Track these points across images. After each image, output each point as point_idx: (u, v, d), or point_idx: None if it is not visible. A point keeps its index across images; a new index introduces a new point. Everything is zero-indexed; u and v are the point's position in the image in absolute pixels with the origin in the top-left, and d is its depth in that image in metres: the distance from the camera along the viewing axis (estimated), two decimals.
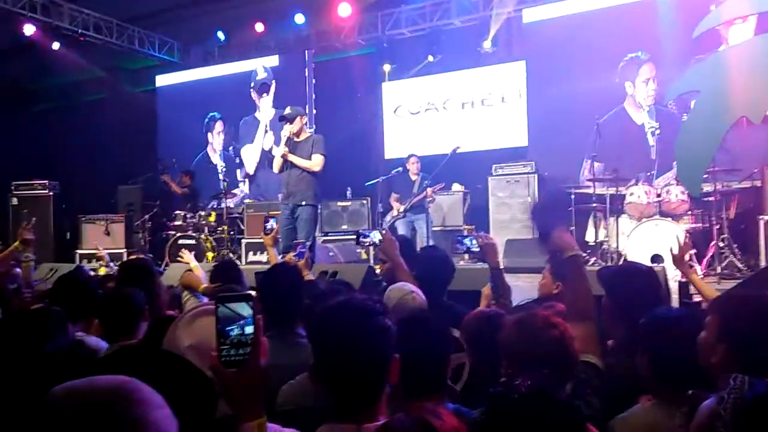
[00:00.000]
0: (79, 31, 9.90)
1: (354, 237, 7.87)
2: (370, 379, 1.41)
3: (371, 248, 3.51)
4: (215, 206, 9.43)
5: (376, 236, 3.36)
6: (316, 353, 1.47)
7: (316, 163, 5.65)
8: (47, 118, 12.17)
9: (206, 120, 11.33)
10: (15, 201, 9.61)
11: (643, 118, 7.91)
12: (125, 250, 8.76)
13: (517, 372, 1.82)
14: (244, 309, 1.23)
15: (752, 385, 1.06)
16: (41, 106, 12.61)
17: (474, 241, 3.28)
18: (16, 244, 4.01)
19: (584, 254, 6.80)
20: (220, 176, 10.41)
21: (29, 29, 9.71)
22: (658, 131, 7.48)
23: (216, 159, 11.17)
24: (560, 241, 2.43)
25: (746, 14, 7.18)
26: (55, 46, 10.31)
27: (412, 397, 1.68)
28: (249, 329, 1.23)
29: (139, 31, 10.78)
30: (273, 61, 10.81)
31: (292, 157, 5.64)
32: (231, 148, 10.96)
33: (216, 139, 11.30)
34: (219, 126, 11.30)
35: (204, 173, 10.87)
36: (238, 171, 10.91)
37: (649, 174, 7.11)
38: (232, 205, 9.57)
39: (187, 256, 3.91)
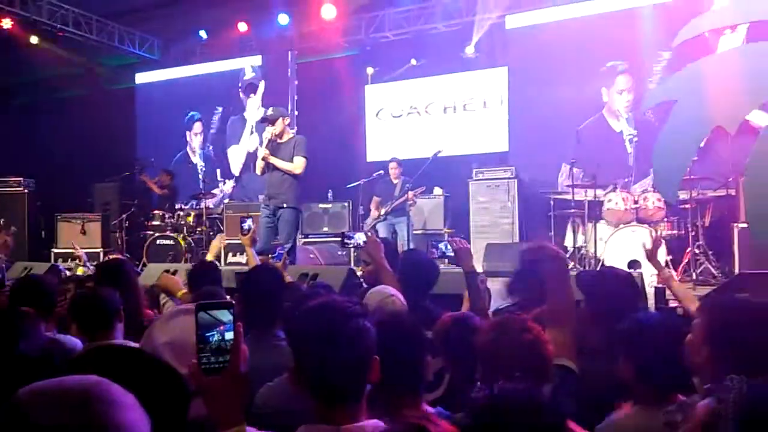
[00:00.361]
0: (58, 26, 9.75)
1: (335, 239, 7.91)
2: (350, 381, 1.41)
3: (354, 250, 3.53)
4: (194, 206, 9.35)
5: (360, 238, 3.38)
6: (295, 355, 1.46)
7: (297, 165, 5.62)
8: (24, 114, 11.97)
9: (186, 119, 11.24)
10: None
11: (622, 125, 8.03)
12: (101, 249, 8.63)
13: (492, 376, 1.84)
14: (225, 315, 1.24)
15: (751, 385, 1.08)
16: (17, 102, 12.39)
17: (449, 246, 3.31)
18: None
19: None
20: (200, 176, 10.32)
21: (6, 23, 9.54)
22: (635, 139, 7.60)
23: (195, 159, 11.06)
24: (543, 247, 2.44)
25: (735, 23, 7.31)
26: (33, 40, 10.15)
27: (390, 399, 1.68)
28: (229, 335, 1.24)
29: (119, 27, 10.64)
30: (256, 61, 10.76)
31: (273, 160, 5.61)
32: (210, 147, 10.84)
33: (194, 140, 11.20)
34: (198, 127, 11.20)
35: (183, 173, 10.77)
36: (218, 171, 10.82)
37: (626, 180, 7.23)
38: (211, 206, 9.48)
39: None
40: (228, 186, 10.74)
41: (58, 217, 9.00)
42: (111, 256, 5.16)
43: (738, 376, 1.11)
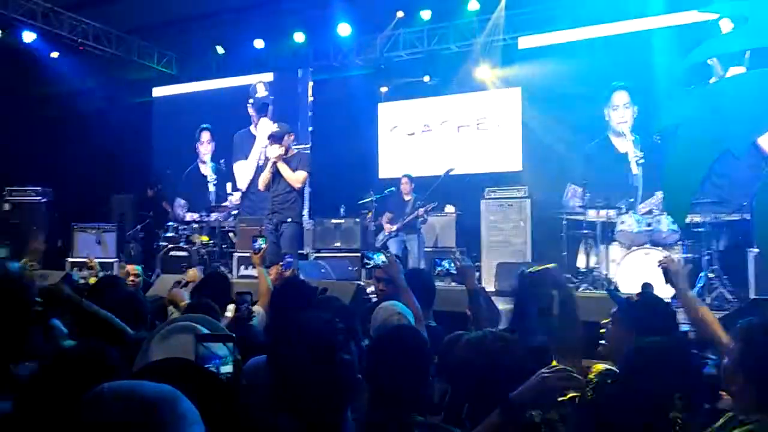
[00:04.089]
0: (79, 40, 9.94)
1: (347, 254, 7.92)
2: (328, 408, 1.40)
3: (374, 270, 3.59)
4: (203, 218, 9.40)
5: (379, 258, 3.39)
6: (276, 377, 1.45)
7: (298, 178, 5.71)
8: (44, 125, 12.14)
9: (197, 130, 11.36)
10: (7, 206, 9.55)
11: (627, 146, 8.01)
12: (116, 260, 8.70)
13: (472, 395, 1.82)
14: (221, 349, 1.29)
15: None
16: (39, 114, 12.58)
17: (452, 264, 3.32)
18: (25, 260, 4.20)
19: (574, 281, 6.87)
20: (210, 188, 10.36)
21: (29, 36, 9.74)
22: (642, 160, 7.60)
23: (206, 170, 11.05)
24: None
25: (740, 49, 7.32)
26: (54, 55, 10.35)
27: (390, 414, 1.67)
28: (224, 369, 1.28)
29: (138, 42, 10.83)
30: (268, 77, 10.87)
31: (281, 165, 5.68)
32: (222, 161, 10.88)
33: (201, 149, 11.28)
34: (205, 136, 11.27)
35: (195, 185, 10.85)
36: (228, 184, 10.85)
37: (631, 200, 7.22)
38: (220, 219, 9.48)
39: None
40: (236, 197, 10.75)
41: (75, 226, 9.11)
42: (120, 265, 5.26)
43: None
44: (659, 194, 7.60)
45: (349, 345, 1.49)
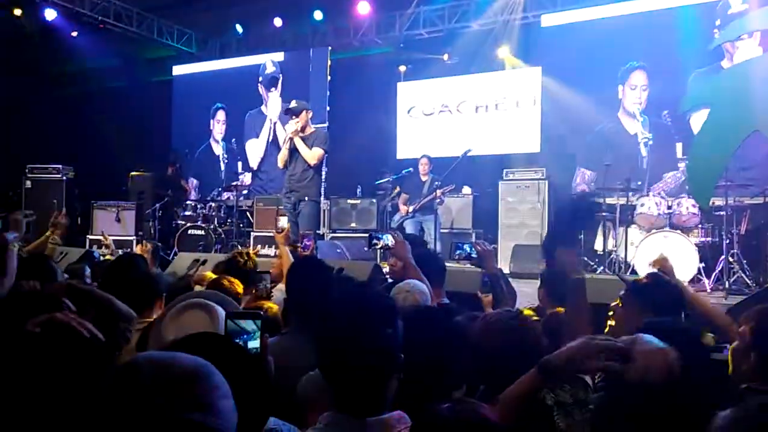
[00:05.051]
0: (100, 18, 9.98)
1: (363, 235, 7.94)
2: (376, 375, 1.38)
3: (382, 251, 3.57)
4: (215, 196, 9.46)
5: (388, 239, 3.40)
6: (320, 345, 1.46)
7: (314, 155, 5.70)
8: (65, 103, 12.28)
9: (212, 109, 11.42)
10: (29, 184, 9.72)
11: (637, 128, 7.88)
12: (134, 237, 8.82)
13: (487, 372, 1.82)
14: (249, 325, 1.36)
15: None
16: (60, 92, 12.72)
17: (472, 248, 3.32)
18: (48, 233, 4.28)
19: (591, 264, 6.83)
20: (222, 167, 10.43)
21: (50, 14, 9.80)
22: (651, 142, 7.47)
23: (218, 150, 11.09)
24: (567, 261, 2.39)
25: (755, 30, 7.18)
26: (74, 33, 10.42)
27: (415, 393, 1.68)
28: (251, 344, 1.34)
29: (158, 21, 10.85)
30: (278, 56, 10.83)
31: (297, 141, 5.68)
32: (233, 140, 10.93)
33: (216, 128, 11.33)
34: (220, 115, 11.32)
35: (207, 164, 10.93)
36: (240, 163, 10.89)
37: (639, 183, 7.14)
38: (231, 198, 9.55)
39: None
40: (247, 178, 10.80)
41: (94, 204, 9.24)
42: (141, 243, 5.30)
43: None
44: (668, 177, 7.52)
45: (396, 321, 1.47)
